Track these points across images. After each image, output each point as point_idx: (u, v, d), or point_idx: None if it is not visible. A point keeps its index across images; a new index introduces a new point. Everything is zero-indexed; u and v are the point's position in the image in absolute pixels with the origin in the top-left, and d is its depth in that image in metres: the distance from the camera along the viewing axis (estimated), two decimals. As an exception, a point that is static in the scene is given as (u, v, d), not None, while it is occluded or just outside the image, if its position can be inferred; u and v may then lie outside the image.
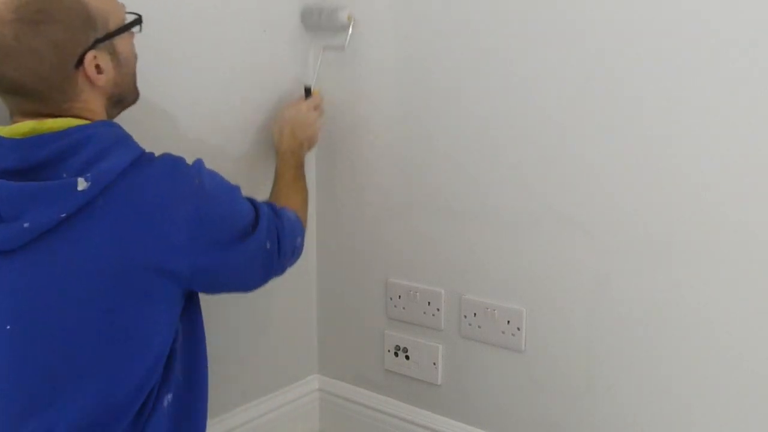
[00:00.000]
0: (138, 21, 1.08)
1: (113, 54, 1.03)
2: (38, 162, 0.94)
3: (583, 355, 1.39)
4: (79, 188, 0.92)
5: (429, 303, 1.57)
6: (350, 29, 1.51)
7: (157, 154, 1.06)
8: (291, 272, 1.70)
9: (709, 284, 1.24)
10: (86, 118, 1.01)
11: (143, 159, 1.01)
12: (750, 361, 1.22)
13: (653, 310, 1.30)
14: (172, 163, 1.03)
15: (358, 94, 1.60)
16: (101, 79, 1.01)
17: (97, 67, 1.01)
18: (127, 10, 1.08)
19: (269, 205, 1.19)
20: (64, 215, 0.92)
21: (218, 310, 1.55)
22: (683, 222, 1.24)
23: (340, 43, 1.53)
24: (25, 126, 0.96)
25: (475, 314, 1.51)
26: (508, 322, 1.46)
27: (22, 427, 0.95)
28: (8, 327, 0.94)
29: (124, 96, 1.09)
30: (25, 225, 0.92)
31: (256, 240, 1.09)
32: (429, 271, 1.57)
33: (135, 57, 1.10)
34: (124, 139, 1.01)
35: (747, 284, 1.20)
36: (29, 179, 0.93)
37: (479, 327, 1.51)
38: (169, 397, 1.05)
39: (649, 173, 1.26)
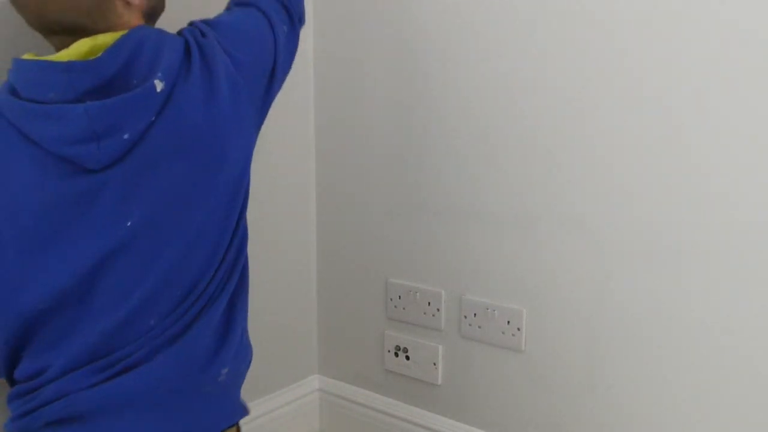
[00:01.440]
0: None
1: None
2: (112, 75, 0.97)
3: (583, 355, 1.39)
4: (158, 89, 0.98)
5: (429, 303, 1.57)
6: None
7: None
8: (291, 272, 1.71)
9: (709, 284, 1.24)
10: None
11: (192, 41, 1.06)
12: (751, 361, 1.22)
13: (653, 309, 1.30)
14: (205, 28, 1.10)
15: (359, 94, 1.60)
16: (137, 1, 1.05)
17: None
18: None
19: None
20: (153, 118, 0.98)
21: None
22: (683, 222, 1.24)
23: None
24: (83, 45, 0.99)
25: (475, 314, 1.51)
26: (508, 322, 1.46)
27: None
28: (129, 224, 0.99)
29: (157, 9, 1.12)
30: (125, 137, 0.97)
31: (286, 30, 1.18)
32: (429, 271, 1.57)
33: None
34: (163, 32, 1.05)
35: (747, 284, 1.20)
36: (106, 93, 0.97)
37: (479, 327, 1.51)
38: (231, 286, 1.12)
39: (650, 173, 1.26)
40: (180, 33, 1.08)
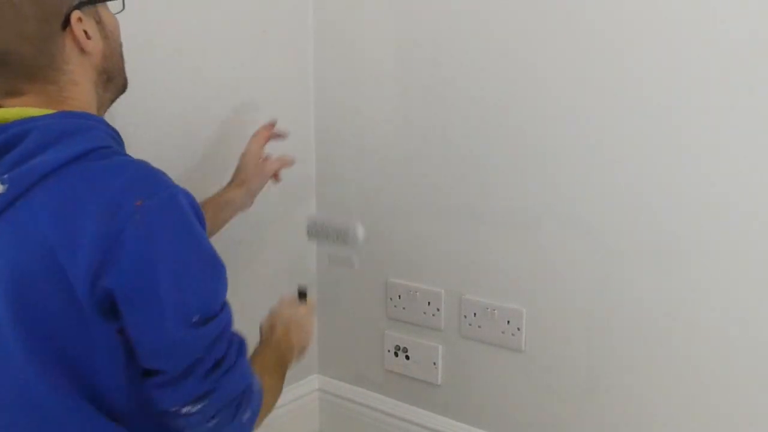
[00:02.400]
0: None
1: (99, 23, 0.97)
2: None
3: (583, 354, 1.39)
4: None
5: (429, 303, 1.57)
6: (360, 242, 1.36)
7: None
8: (291, 272, 1.71)
9: (709, 284, 1.24)
10: (66, 101, 0.93)
11: (94, 155, 0.87)
12: (751, 361, 1.22)
13: (653, 309, 1.30)
14: (127, 167, 0.87)
15: (359, 94, 1.60)
16: (90, 45, 0.94)
17: (85, 32, 0.93)
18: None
19: (240, 340, 0.97)
20: None
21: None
22: (683, 222, 1.24)
23: (349, 260, 1.42)
24: None
25: (475, 314, 1.51)
26: (508, 322, 1.46)
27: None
28: None
29: (113, 74, 1.00)
30: None
31: (202, 332, 0.87)
32: (429, 271, 1.57)
33: (119, 37, 1.03)
34: (78, 131, 0.88)
35: (748, 284, 1.20)
36: None
37: (479, 327, 1.51)
38: None
39: (650, 173, 1.26)
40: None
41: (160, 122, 1.37)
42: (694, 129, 1.21)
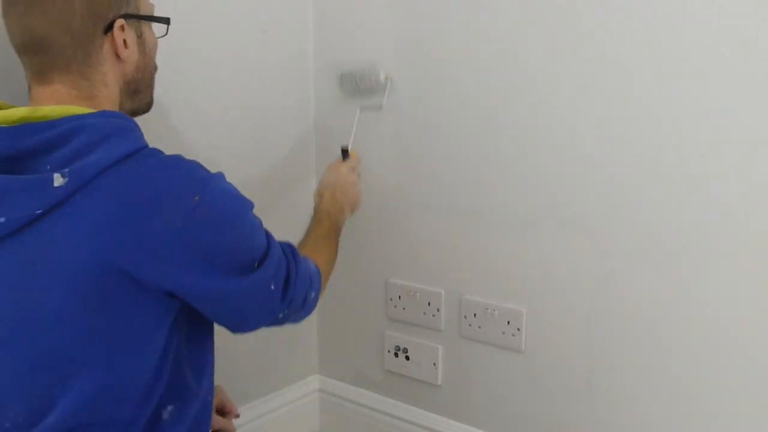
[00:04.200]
0: (166, 20, 1.07)
1: (140, 37, 1.02)
2: (25, 151, 0.90)
3: (583, 355, 1.39)
4: (55, 184, 0.87)
5: (429, 303, 1.57)
6: (387, 89, 1.52)
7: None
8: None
9: (709, 284, 1.24)
10: (95, 98, 0.97)
11: (141, 154, 0.93)
12: (751, 361, 1.22)
13: (653, 310, 1.30)
14: (174, 165, 0.93)
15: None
16: (125, 53, 0.99)
17: (125, 42, 0.99)
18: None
19: (290, 246, 1.11)
20: (39, 212, 0.88)
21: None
22: (683, 222, 1.24)
23: (377, 103, 1.54)
24: (17, 112, 0.92)
25: (475, 314, 1.51)
26: (508, 322, 1.46)
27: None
28: None
29: (140, 88, 1.05)
30: (1, 220, 0.88)
31: (257, 278, 0.99)
32: (429, 271, 1.57)
33: (155, 58, 1.07)
34: (123, 131, 0.93)
35: (748, 284, 1.20)
36: (16, 169, 0.90)
37: (479, 327, 1.51)
38: (170, 408, 1.00)
39: (650, 173, 1.26)
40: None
41: (159, 122, 1.37)
42: (694, 129, 1.21)
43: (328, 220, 1.33)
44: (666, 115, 1.24)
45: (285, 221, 1.67)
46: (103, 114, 0.94)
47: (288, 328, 1.72)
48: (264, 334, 1.65)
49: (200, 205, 0.91)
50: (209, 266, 0.93)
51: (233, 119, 1.52)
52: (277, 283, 1.04)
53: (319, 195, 1.38)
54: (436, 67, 1.48)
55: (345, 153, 1.45)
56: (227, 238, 0.95)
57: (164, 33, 1.09)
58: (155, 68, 1.08)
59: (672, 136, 1.23)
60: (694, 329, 1.26)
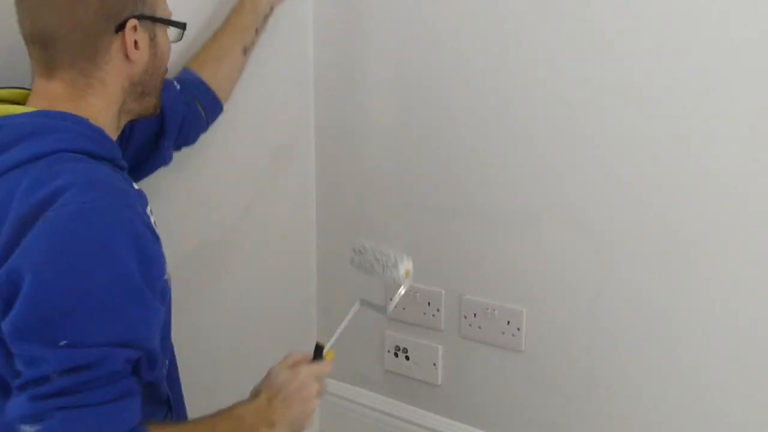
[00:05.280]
0: (182, 25, 1.05)
1: (153, 39, 0.99)
2: None
3: (583, 355, 1.39)
4: None
5: (429, 303, 1.57)
6: (401, 291, 1.17)
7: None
8: (291, 272, 1.71)
9: (709, 284, 1.24)
10: (85, 98, 0.94)
11: (57, 157, 0.85)
12: (752, 359, 1.22)
13: (653, 309, 1.30)
14: (65, 175, 0.83)
15: (359, 94, 1.60)
16: (136, 54, 0.96)
17: (136, 43, 0.96)
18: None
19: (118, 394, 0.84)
20: None
21: (218, 309, 1.55)
22: (684, 222, 1.24)
23: (382, 305, 1.23)
24: None
25: (475, 314, 1.51)
26: (508, 322, 1.46)
27: None
28: None
29: (148, 90, 1.01)
30: None
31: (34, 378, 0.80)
32: (429, 271, 1.56)
33: (167, 62, 1.04)
34: (48, 131, 0.87)
35: (748, 283, 1.20)
36: None
37: (479, 327, 1.50)
38: None
39: (650, 173, 1.26)
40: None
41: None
42: (694, 129, 1.21)
43: (242, 428, 0.98)
44: (666, 115, 1.24)
45: (285, 220, 1.68)
46: (36, 113, 0.90)
47: (288, 328, 1.72)
48: (264, 333, 1.66)
49: (43, 221, 0.82)
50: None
51: (232, 119, 1.52)
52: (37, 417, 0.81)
53: (254, 393, 1.03)
54: (437, 66, 1.48)
55: (319, 351, 1.09)
56: (61, 264, 0.82)
57: (179, 38, 1.06)
58: (165, 72, 1.06)
59: (673, 136, 1.23)
60: (694, 329, 1.26)
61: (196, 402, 1.53)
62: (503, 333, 1.47)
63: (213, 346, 1.55)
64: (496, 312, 1.48)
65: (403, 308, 1.61)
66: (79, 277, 0.80)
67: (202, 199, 1.48)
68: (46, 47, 0.93)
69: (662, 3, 1.21)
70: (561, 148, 1.35)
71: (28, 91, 0.99)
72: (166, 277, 0.92)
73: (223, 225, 1.53)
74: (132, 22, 0.95)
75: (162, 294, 0.90)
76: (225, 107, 1.46)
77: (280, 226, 1.66)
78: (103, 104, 0.96)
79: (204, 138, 1.46)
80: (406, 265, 1.13)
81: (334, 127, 1.65)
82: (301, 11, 1.62)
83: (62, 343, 0.79)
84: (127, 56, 0.96)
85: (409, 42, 1.51)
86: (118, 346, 0.81)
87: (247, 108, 1.54)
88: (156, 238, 0.90)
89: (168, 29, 1.03)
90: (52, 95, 0.94)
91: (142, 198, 0.94)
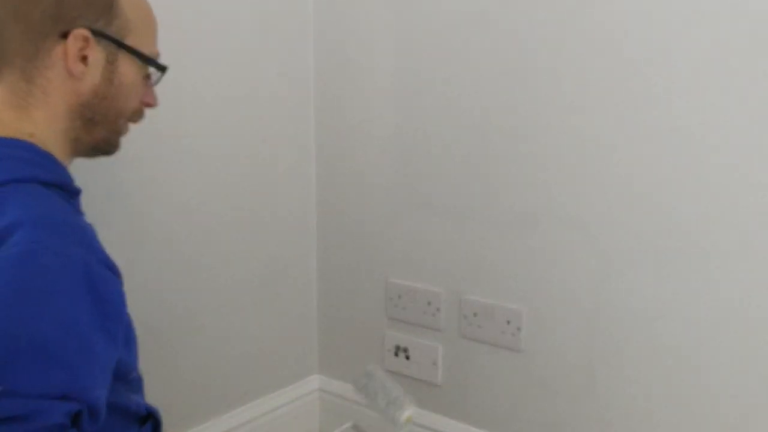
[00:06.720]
0: (160, 67, 0.95)
1: (112, 63, 0.89)
2: None
3: (583, 354, 1.39)
4: None
5: (429, 303, 1.57)
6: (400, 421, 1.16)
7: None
8: (291, 272, 1.71)
9: (709, 284, 1.24)
10: (27, 108, 0.86)
11: (3, 191, 0.78)
12: (751, 361, 1.22)
13: (653, 309, 1.30)
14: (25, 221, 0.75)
15: (359, 94, 1.60)
16: (78, 68, 0.86)
17: (84, 58, 0.86)
18: (162, 62, 0.96)
19: None
20: None
21: (218, 309, 1.55)
22: (683, 222, 1.24)
23: None
24: None
25: (475, 314, 1.51)
26: (508, 322, 1.46)
27: None
28: None
29: (97, 119, 0.91)
30: None
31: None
32: (429, 271, 1.57)
33: (131, 101, 0.93)
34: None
35: (748, 283, 1.20)
36: None
37: (479, 327, 1.51)
38: None
39: (650, 173, 1.27)
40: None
41: (158, 121, 1.37)
42: (694, 129, 1.22)
43: None
44: (666, 115, 1.24)
45: (285, 220, 1.68)
46: None
47: (288, 328, 1.73)
48: (264, 333, 1.66)
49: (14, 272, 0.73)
50: None
51: (232, 119, 1.52)
52: None
53: None
54: (437, 65, 1.48)
55: None
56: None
57: (156, 81, 0.96)
58: (131, 113, 0.94)
59: (672, 136, 1.24)
60: (694, 328, 1.26)
61: (196, 404, 1.54)
62: (503, 333, 1.47)
63: (213, 346, 1.55)
64: (496, 312, 1.48)
65: (403, 308, 1.62)
66: (20, 324, 0.72)
67: (202, 199, 1.48)
68: None
69: (662, 3, 1.21)
70: (561, 148, 1.35)
71: None
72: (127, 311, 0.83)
73: (223, 226, 1.53)
74: (82, 32, 0.85)
75: (125, 332, 0.83)
76: (225, 107, 1.44)
77: (281, 226, 1.66)
78: (45, 118, 0.87)
79: (204, 138, 1.46)
80: (409, 412, 1.14)
81: (334, 128, 1.66)
82: (301, 11, 1.63)
83: None
84: (69, 70, 0.86)
85: (409, 42, 1.51)
86: (57, 399, 0.73)
87: (247, 108, 1.54)
88: (115, 274, 0.82)
89: (149, 68, 0.94)
90: None
91: (93, 231, 0.85)
